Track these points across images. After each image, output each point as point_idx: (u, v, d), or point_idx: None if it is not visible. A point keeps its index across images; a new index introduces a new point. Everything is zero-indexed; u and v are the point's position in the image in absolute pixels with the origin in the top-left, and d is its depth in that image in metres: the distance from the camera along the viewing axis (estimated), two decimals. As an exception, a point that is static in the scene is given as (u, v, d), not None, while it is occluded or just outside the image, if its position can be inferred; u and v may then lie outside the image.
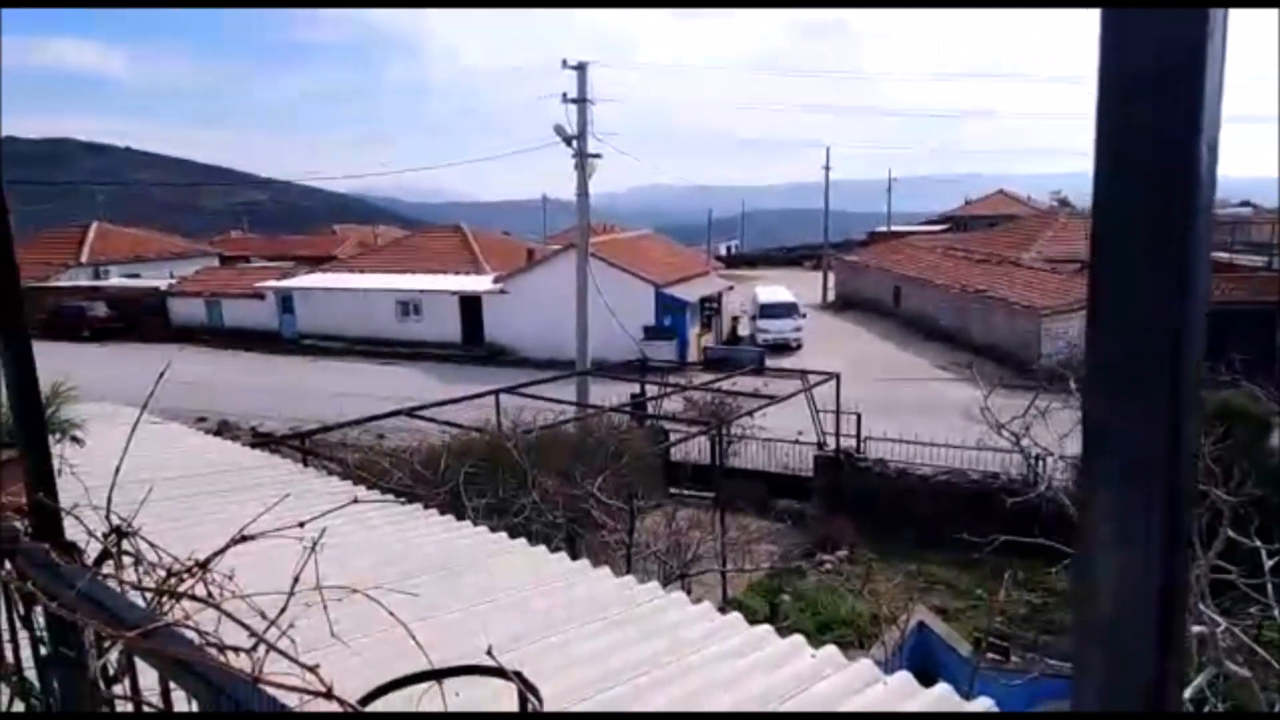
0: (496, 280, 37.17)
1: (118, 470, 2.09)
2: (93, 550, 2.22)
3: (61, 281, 45.61)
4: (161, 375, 2.09)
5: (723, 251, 70.79)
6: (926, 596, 14.93)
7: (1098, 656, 0.59)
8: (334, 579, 1.91)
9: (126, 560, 2.19)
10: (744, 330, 40.13)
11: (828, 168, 52.58)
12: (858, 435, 18.97)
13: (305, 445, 13.38)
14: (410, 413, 15.08)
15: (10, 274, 1.92)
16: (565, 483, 10.18)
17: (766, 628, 5.14)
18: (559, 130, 19.64)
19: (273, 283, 41.22)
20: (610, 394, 21.60)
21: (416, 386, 29.56)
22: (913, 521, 16.78)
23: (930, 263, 42.97)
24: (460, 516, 7.84)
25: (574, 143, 19.84)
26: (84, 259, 47.70)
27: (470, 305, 37.31)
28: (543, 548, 6.75)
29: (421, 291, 38.10)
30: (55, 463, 2.54)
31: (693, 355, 33.72)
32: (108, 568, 2.12)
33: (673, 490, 17.23)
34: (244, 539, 1.75)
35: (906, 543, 16.75)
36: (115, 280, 45.51)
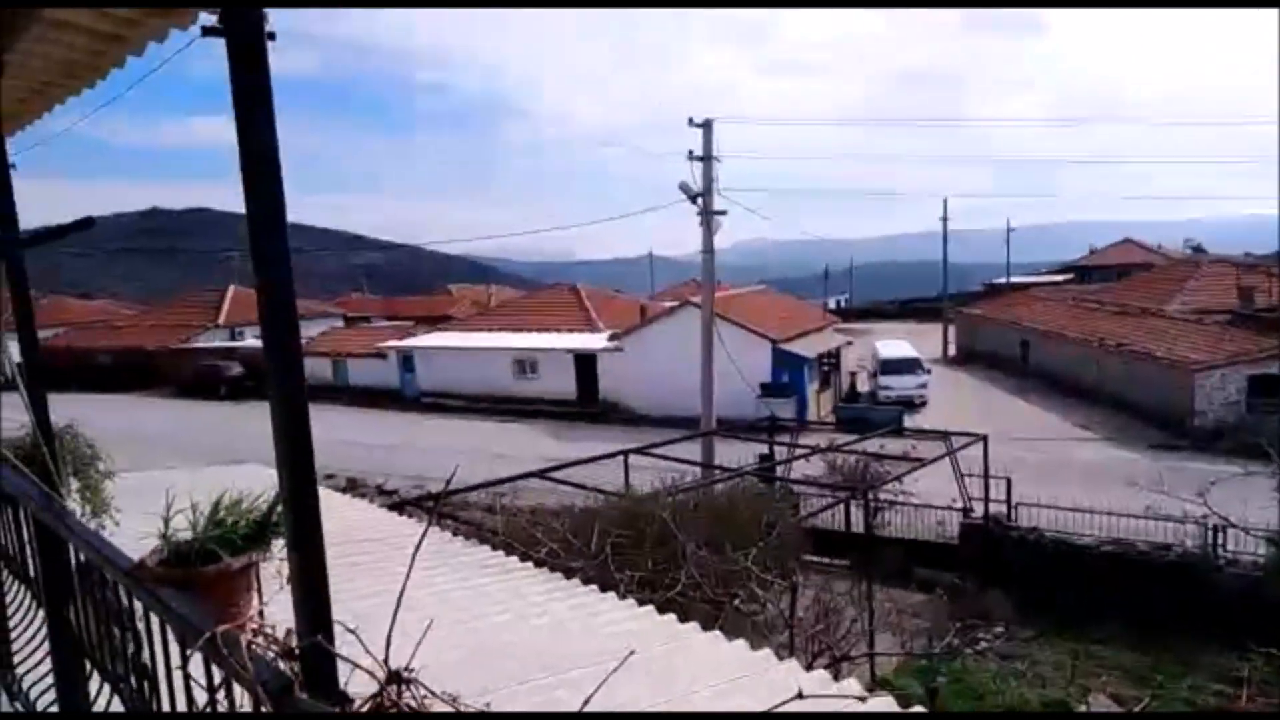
0: (611, 338, 37.20)
1: (399, 599, 1.71)
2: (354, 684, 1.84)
3: (200, 343, 48.18)
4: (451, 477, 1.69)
5: (832, 305, 69.46)
6: (1097, 682, 13.58)
7: None
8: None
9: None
10: (863, 387, 38.87)
11: (945, 218, 51.05)
12: (1008, 501, 17.72)
13: (437, 507, 13.30)
14: (542, 474, 14.82)
15: (294, 352, 1.59)
16: (715, 554, 9.62)
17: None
18: (684, 188, 19.49)
19: (394, 342, 42.40)
20: (730, 453, 20.95)
21: (534, 444, 29.61)
22: (1073, 596, 15.45)
23: (1059, 314, 40.96)
24: (621, 595, 7.38)
25: (699, 200, 19.64)
26: (221, 321, 50.27)
27: (585, 363, 37.41)
28: (718, 633, 6.23)
29: (537, 350, 38.48)
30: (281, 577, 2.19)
31: (811, 413, 32.75)
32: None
33: (804, 557, 16.37)
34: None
35: (1067, 620, 15.40)
36: (249, 341, 47.71)
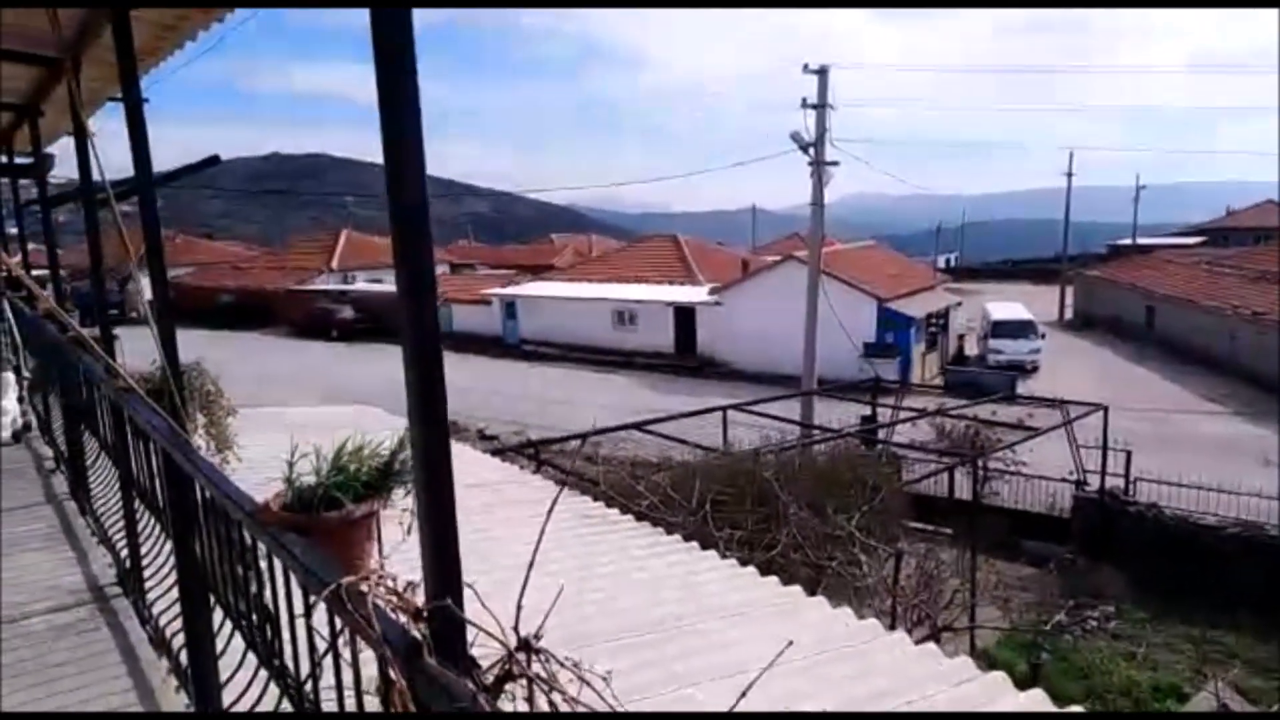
0: (712, 291, 36.83)
1: (530, 565, 1.62)
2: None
3: (315, 285, 50.03)
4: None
5: (941, 263, 67.01)
6: (1217, 670, 12.86)
7: None
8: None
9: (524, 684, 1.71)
10: (972, 349, 37.49)
11: (1070, 174, 48.32)
12: (1126, 475, 16.83)
13: (538, 455, 13.52)
14: (641, 427, 14.84)
15: (428, 303, 1.48)
16: (816, 516, 9.42)
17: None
18: (795, 137, 18.89)
19: (497, 290, 43.06)
20: (830, 413, 20.52)
21: (632, 395, 29.74)
22: (1194, 579, 14.64)
23: (1189, 279, 38.49)
24: (721, 554, 7.29)
25: (811, 150, 19.01)
26: (334, 265, 51.99)
27: (684, 316, 37.21)
28: (823, 598, 6.08)
29: (637, 301, 38.44)
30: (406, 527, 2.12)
31: (916, 375, 31.82)
32: (511, 695, 1.64)
33: (906, 524, 15.96)
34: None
35: (1186, 603, 14.62)
36: (360, 285, 49.27)
